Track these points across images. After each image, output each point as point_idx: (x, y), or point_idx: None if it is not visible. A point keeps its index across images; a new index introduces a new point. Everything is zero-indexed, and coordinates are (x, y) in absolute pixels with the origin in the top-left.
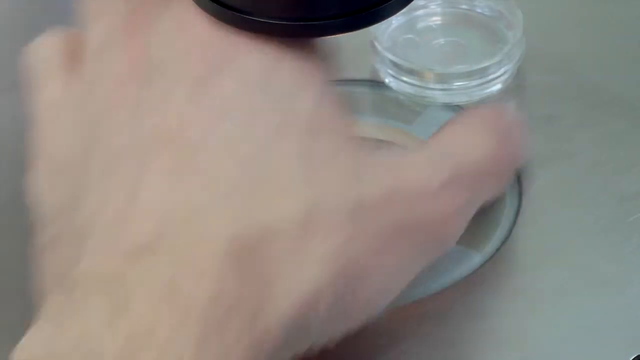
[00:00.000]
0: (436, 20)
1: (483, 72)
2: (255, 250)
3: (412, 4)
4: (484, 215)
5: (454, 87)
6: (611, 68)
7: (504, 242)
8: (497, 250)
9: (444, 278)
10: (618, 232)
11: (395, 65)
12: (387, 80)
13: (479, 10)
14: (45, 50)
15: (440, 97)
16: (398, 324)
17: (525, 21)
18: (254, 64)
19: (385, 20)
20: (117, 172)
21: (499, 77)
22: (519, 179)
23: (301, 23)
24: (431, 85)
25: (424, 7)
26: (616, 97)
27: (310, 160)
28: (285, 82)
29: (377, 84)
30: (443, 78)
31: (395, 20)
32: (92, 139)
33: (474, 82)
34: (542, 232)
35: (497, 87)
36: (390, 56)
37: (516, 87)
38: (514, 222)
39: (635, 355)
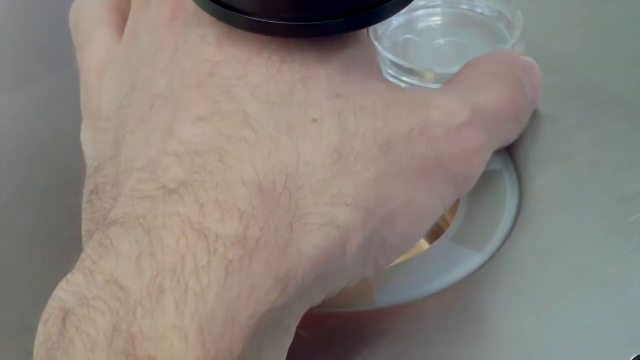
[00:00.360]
0: (436, 20)
1: None
2: (283, 186)
3: (412, 4)
4: (484, 215)
5: None
6: (611, 68)
7: (504, 242)
8: (497, 250)
9: (444, 278)
10: (618, 232)
11: (395, 65)
12: None
13: (478, 10)
14: (91, 6)
15: None
16: (398, 324)
17: (525, 21)
18: None
19: (385, 20)
20: (152, 119)
21: None
22: (519, 179)
23: (301, 23)
24: (431, 85)
25: (423, 7)
26: (616, 97)
27: (339, 100)
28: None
29: None
30: (443, 78)
31: (395, 20)
32: (132, 88)
33: None
34: (542, 232)
35: None
36: (390, 56)
37: None
38: (514, 222)
39: (635, 355)
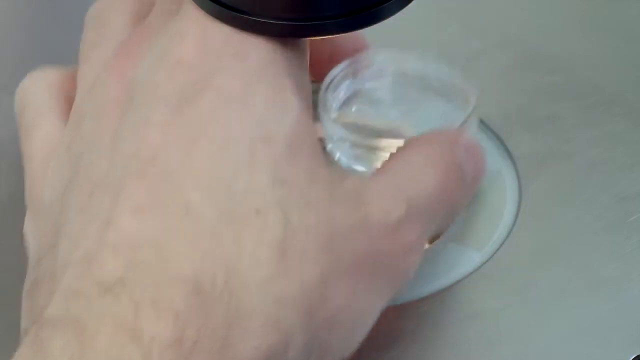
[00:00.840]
0: (387, 91)
1: None
2: (221, 288)
3: (362, 74)
4: (484, 215)
5: None
6: (611, 68)
7: (504, 242)
8: (497, 250)
9: (444, 278)
10: (618, 232)
11: (344, 138)
12: (337, 156)
13: (433, 83)
14: (37, 90)
15: None
16: (398, 324)
17: (525, 21)
18: (232, 84)
19: (334, 90)
20: (91, 209)
21: None
22: (519, 179)
23: (301, 23)
24: (381, 154)
25: (375, 77)
26: (616, 97)
27: (284, 189)
28: (264, 103)
29: None
30: (392, 148)
31: (345, 92)
32: (74, 175)
33: None
34: (542, 232)
35: None
36: (340, 130)
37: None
38: (514, 222)
39: (635, 355)
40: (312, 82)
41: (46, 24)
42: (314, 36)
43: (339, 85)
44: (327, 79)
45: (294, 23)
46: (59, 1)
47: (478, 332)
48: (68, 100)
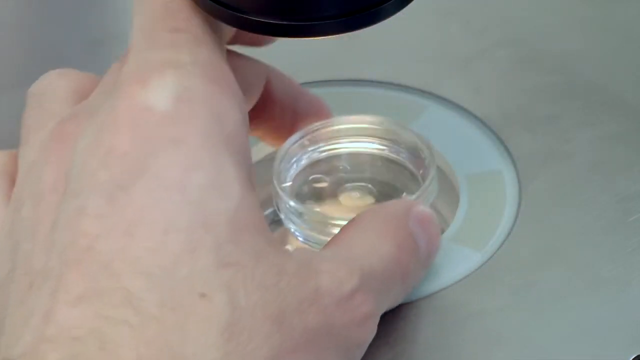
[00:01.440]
0: (343, 162)
1: None
2: None
3: (315, 147)
4: (484, 215)
5: None
6: (611, 68)
7: (504, 242)
8: (497, 250)
9: (444, 278)
10: (618, 232)
11: (297, 211)
12: (291, 229)
13: (393, 154)
14: None
15: None
16: (398, 324)
17: (525, 21)
18: (168, 171)
19: (289, 160)
20: (30, 301)
21: None
22: (519, 179)
23: (301, 23)
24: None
25: (330, 149)
26: (616, 97)
27: (229, 271)
28: (202, 188)
29: (377, 84)
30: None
31: (297, 164)
32: (13, 265)
33: None
34: (542, 232)
35: None
36: (294, 203)
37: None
38: (514, 222)
39: (635, 355)
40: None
41: (47, 24)
42: (314, 36)
43: (295, 155)
44: (282, 149)
45: (294, 23)
46: (59, 1)
47: (478, 332)
48: (12, 181)
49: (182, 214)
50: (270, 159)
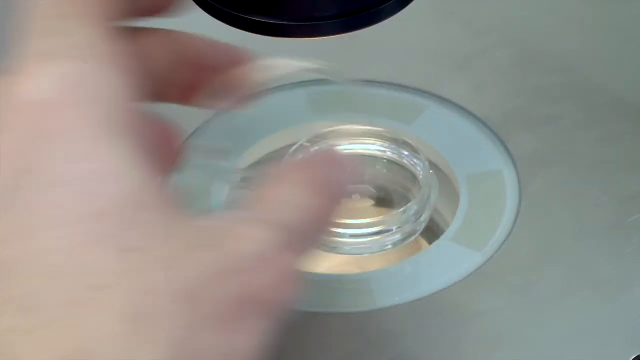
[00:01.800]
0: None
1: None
2: None
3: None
4: (484, 215)
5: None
6: (611, 68)
7: (504, 242)
8: (497, 250)
9: (444, 278)
10: (618, 232)
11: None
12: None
13: (392, 155)
14: None
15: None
16: (398, 324)
17: (525, 21)
18: (54, 166)
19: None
20: None
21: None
22: (519, 179)
23: (301, 23)
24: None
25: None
26: (616, 97)
27: (130, 256)
28: (91, 175)
29: (377, 84)
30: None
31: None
32: None
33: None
34: (542, 232)
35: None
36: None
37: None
38: (514, 222)
39: (635, 355)
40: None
41: None
42: (314, 36)
43: (295, 156)
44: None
45: (294, 23)
46: None
47: (478, 332)
48: None
49: (73, 208)
50: (270, 158)
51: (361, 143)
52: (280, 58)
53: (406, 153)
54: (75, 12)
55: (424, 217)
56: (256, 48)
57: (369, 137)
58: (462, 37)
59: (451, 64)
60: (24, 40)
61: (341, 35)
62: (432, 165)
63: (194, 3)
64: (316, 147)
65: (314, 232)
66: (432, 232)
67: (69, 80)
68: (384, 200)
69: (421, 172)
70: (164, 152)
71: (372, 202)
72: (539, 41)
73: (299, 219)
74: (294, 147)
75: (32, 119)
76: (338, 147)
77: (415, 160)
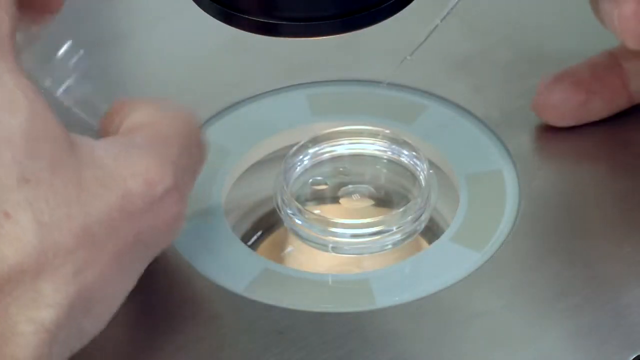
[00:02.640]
0: (345, 165)
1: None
2: None
3: (315, 150)
4: (484, 215)
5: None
6: None
7: (504, 242)
8: (497, 250)
9: (444, 278)
10: (618, 232)
11: (301, 216)
12: (292, 229)
13: (393, 155)
14: None
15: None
16: (398, 324)
17: (525, 21)
18: None
19: (291, 163)
20: None
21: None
22: (518, 179)
23: (301, 23)
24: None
25: (332, 151)
26: None
27: (30, 186)
28: None
29: (377, 84)
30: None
31: (299, 167)
32: None
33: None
34: (542, 232)
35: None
36: (297, 204)
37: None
38: (514, 222)
39: (635, 356)
40: None
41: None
42: (314, 36)
43: (297, 156)
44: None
45: (294, 23)
46: None
47: (478, 332)
48: None
49: None
50: (270, 158)
51: (361, 143)
52: None
53: (406, 153)
54: None
55: (424, 217)
56: (256, 48)
57: (369, 137)
58: (462, 37)
59: (451, 64)
60: None
61: (341, 35)
62: (432, 165)
63: (193, 2)
64: (316, 148)
65: (191, 176)
66: (432, 232)
67: None
68: (384, 200)
69: (421, 172)
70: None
71: (372, 202)
72: (539, 41)
73: (179, 154)
74: (294, 148)
75: None
76: (338, 147)
77: (415, 160)
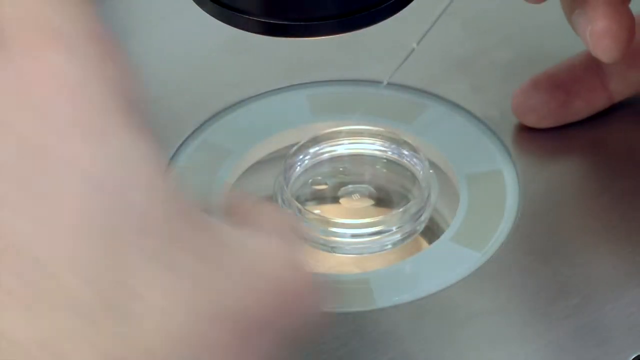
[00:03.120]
0: (345, 165)
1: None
2: None
3: (316, 150)
4: (484, 215)
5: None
6: None
7: (504, 242)
8: (497, 250)
9: (444, 278)
10: (618, 232)
11: (301, 216)
12: None
13: (393, 155)
14: None
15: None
16: (397, 324)
17: (525, 21)
18: (83, 163)
19: (291, 163)
20: None
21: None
22: (518, 179)
23: (301, 23)
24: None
25: (332, 151)
26: None
27: (160, 265)
28: (117, 176)
29: (377, 84)
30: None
31: (299, 167)
32: None
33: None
34: (542, 232)
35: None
36: (297, 204)
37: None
38: (514, 222)
39: (635, 355)
40: None
41: None
42: (314, 36)
43: (297, 156)
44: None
45: (294, 23)
46: None
47: (478, 332)
48: None
49: (100, 210)
50: (270, 158)
51: (361, 143)
52: None
53: (406, 153)
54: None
55: (424, 217)
56: (256, 48)
57: (369, 137)
58: (462, 37)
59: (451, 64)
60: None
61: (341, 35)
62: (432, 165)
63: (193, 2)
64: (316, 148)
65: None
66: (432, 232)
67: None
68: (384, 200)
69: (421, 172)
70: None
71: (372, 202)
72: (539, 41)
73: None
74: (294, 148)
75: (49, 99)
76: (338, 147)
77: (415, 160)
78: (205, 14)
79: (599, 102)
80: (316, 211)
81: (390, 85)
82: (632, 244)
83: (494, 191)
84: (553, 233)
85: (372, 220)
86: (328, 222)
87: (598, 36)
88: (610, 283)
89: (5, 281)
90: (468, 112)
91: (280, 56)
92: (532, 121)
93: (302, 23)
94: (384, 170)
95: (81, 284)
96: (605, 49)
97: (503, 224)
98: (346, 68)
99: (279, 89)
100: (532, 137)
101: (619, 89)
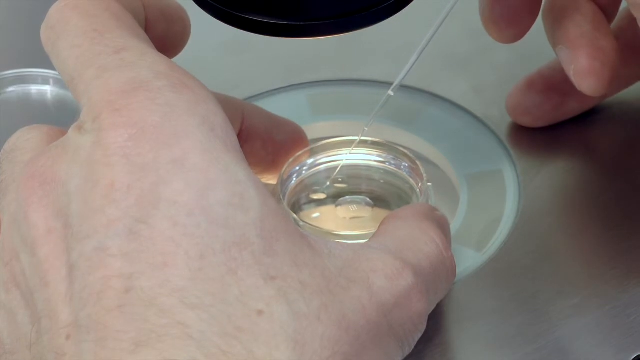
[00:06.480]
0: (342, 175)
1: None
2: None
3: (313, 160)
4: (484, 215)
5: None
6: None
7: (504, 242)
8: (497, 250)
9: None
10: (618, 232)
11: (298, 222)
12: None
13: (390, 165)
14: None
15: None
16: None
17: None
18: (183, 193)
19: (289, 173)
20: (74, 352)
21: None
22: (518, 179)
23: (300, 23)
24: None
25: (329, 161)
26: (616, 97)
27: (277, 283)
28: (223, 205)
29: (377, 84)
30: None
31: (296, 177)
32: (34, 319)
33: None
34: (542, 232)
35: None
36: (293, 215)
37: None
38: (514, 222)
39: (635, 355)
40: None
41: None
42: (314, 36)
43: (294, 166)
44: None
45: (293, 23)
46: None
47: (478, 332)
48: None
49: (213, 237)
50: None
51: (360, 154)
52: None
53: (404, 164)
54: (133, 44)
55: None
56: (256, 48)
57: (368, 147)
58: (462, 37)
59: (451, 64)
60: (88, 75)
61: (341, 35)
62: (432, 165)
63: (193, 2)
64: (313, 159)
65: (441, 283)
66: None
67: (169, 110)
68: (381, 211)
69: (419, 184)
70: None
71: (370, 212)
72: (539, 41)
73: (428, 264)
74: (291, 159)
75: (144, 152)
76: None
77: (412, 170)
78: (205, 14)
79: (592, 101)
80: (313, 222)
81: (391, 85)
82: (632, 244)
83: (494, 191)
84: (553, 233)
85: (370, 232)
86: (325, 233)
87: (582, 76)
88: (610, 283)
89: (110, 321)
90: (468, 112)
91: (280, 56)
92: (526, 122)
93: (302, 23)
94: (382, 181)
95: (196, 315)
96: (589, 87)
97: (503, 224)
98: (346, 68)
99: (279, 89)
100: (532, 137)
101: (611, 86)
